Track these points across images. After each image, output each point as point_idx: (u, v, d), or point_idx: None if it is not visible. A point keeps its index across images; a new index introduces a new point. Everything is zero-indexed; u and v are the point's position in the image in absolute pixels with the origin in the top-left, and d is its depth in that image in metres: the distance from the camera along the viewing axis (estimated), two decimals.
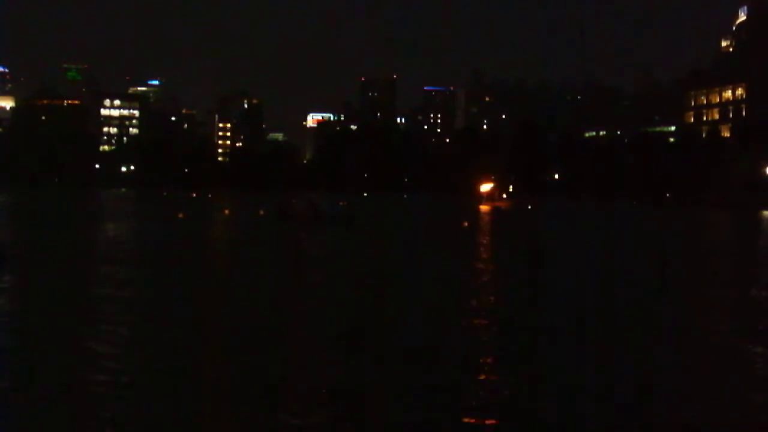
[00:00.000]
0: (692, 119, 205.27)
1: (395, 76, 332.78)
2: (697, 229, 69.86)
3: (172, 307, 21.21)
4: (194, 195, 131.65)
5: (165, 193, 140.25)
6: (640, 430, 11.22)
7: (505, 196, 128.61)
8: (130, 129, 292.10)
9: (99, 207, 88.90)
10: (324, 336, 17.53)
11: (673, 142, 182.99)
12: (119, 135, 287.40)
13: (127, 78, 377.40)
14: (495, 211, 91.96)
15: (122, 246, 40.09)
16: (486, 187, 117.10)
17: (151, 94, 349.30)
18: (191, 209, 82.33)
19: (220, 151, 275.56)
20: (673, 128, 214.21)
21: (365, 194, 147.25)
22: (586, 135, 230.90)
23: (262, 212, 72.46)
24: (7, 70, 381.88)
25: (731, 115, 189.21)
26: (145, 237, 47.62)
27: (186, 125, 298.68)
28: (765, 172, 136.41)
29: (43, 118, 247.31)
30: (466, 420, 11.25)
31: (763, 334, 18.72)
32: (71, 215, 73.07)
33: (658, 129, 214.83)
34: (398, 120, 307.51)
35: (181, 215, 68.68)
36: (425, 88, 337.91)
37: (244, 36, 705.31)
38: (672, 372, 14.62)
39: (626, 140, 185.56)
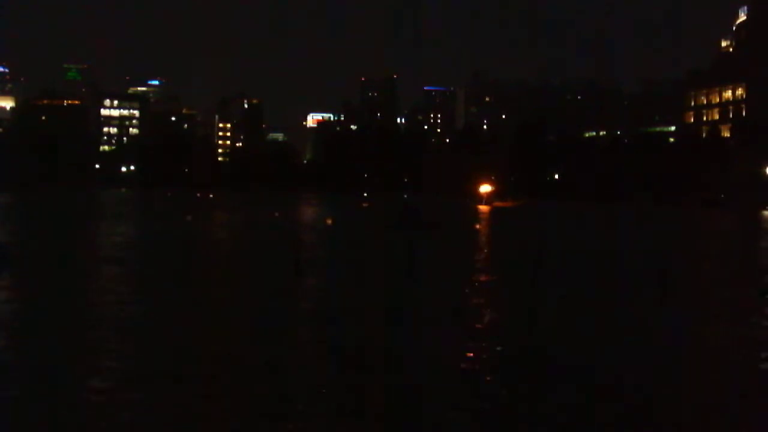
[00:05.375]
0: (692, 119, 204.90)
1: (395, 76, 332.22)
2: (697, 229, 69.86)
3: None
4: (198, 195, 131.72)
5: (169, 194, 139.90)
6: None
7: (504, 196, 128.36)
8: (130, 129, 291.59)
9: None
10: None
11: (673, 142, 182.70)
12: (119, 135, 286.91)
13: (127, 78, 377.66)
14: (495, 211, 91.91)
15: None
16: (486, 188, 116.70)
17: (151, 94, 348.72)
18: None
19: (220, 151, 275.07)
20: (673, 128, 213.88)
21: (365, 194, 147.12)
22: (586, 135, 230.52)
23: (277, 214, 72.48)
24: (7, 70, 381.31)
25: (731, 115, 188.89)
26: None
27: (186, 125, 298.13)
28: (765, 172, 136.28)
29: (43, 118, 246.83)
30: None
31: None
32: (84, 214, 73.05)
33: (658, 129, 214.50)
34: (398, 120, 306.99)
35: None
36: (425, 88, 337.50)
37: (244, 36, 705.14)
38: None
39: (626, 140, 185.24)
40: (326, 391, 13.61)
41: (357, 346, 17.06)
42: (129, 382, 13.92)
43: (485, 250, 42.61)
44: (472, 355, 16.32)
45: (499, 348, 17.14)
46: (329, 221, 64.97)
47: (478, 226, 62.45)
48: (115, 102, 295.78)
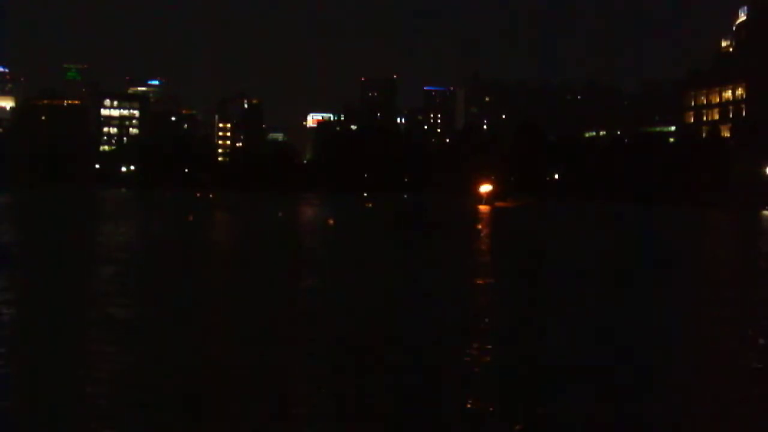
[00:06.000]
0: (692, 119, 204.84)
1: (395, 76, 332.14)
2: (698, 229, 69.86)
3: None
4: (198, 195, 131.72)
5: (168, 194, 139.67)
6: None
7: (505, 196, 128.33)
8: (130, 129, 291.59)
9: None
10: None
11: (673, 142, 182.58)
12: (119, 135, 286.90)
13: (127, 78, 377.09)
14: (495, 211, 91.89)
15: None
16: (486, 188, 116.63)
17: (151, 94, 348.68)
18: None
19: (220, 151, 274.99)
20: (673, 128, 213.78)
21: (365, 194, 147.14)
22: (586, 135, 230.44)
23: (280, 214, 72.42)
24: (7, 70, 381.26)
25: (731, 115, 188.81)
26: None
27: (186, 125, 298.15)
28: (765, 172, 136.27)
29: (43, 118, 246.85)
30: None
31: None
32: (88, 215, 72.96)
33: (658, 129, 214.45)
34: (398, 120, 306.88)
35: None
36: (425, 88, 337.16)
37: (244, 36, 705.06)
38: None
39: (626, 140, 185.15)
40: (324, 391, 13.61)
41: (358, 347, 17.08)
42: (124, 385, 13.91)
43: (489, 251, 42.63)
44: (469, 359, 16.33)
45: (493, 351, 17.14)
46: (331, 221, 64.95)
47: (480, 227, 62.47)
48: (115, 102, 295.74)
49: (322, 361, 15.74)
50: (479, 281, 28.88)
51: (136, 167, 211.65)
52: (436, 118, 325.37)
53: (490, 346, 17.33)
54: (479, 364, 15.68)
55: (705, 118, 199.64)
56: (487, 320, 20.66)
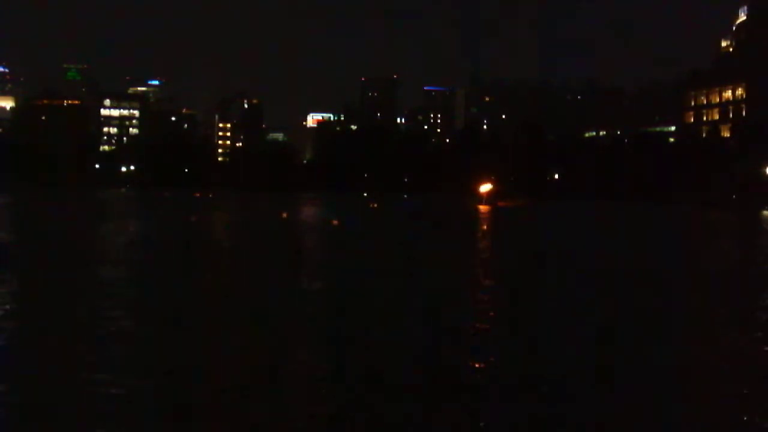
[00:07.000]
0: (692, 119, 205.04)
1: (395, 76, 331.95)
2: (698, 228, 69.84)
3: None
4: (197, 195, 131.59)
5: (167, 194, 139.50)
6: None
7: (505, 196, 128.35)
8: (130, 129, 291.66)
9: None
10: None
11: (673, 142, 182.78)
12: (119, 135, 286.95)
13: (127, 78, 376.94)
14: (495, 211, 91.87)
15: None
16: (485, 188, 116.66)
17: (151, 94, 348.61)
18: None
19: (220, 151, 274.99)
20: (673, 128, 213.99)
21: (365, 194, 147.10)
22: (586, 135, 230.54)
23: (284, 215, 72.48)
24: (7, 70, 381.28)
25: (731, 115, 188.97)
26: None
27: (186, 125, 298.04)
28: (765, 172, 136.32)
29: (43, 118, 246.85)
30: None
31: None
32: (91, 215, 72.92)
33: (658, 129, 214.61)
34: (398, 120, 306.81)
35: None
36: (425, 88, 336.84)
37: (244, 36, 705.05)
38: None
39: (626, 140, 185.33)
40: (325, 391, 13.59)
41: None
42: (118, 391, 13.87)
43: (495, 250, 42.67)
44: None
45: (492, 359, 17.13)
46: (335, 222, 64.83)
47: (484, 227, 62.58)
48: (115, 102, 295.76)
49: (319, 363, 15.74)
50: (488, 283, 28.88)
51: (136, 167, 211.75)
52: (436, 118, 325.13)
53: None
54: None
55: (705, 118, 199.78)
56: (484, 324, 20.65)
